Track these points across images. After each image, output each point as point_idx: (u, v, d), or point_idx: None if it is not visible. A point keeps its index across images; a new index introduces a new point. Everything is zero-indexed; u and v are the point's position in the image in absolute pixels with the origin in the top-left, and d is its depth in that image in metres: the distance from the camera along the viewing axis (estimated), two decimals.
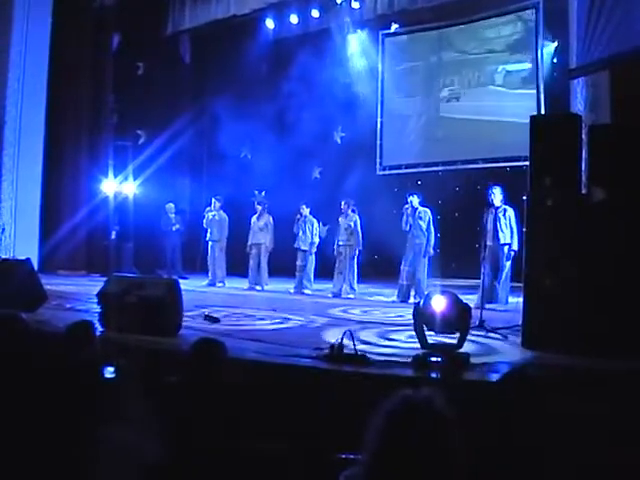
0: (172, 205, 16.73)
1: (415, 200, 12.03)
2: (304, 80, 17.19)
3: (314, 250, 13.89)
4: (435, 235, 12.16)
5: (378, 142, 18.13)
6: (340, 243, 13.21)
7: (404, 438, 2.11)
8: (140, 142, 18.35)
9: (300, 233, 13.86)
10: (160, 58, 18.32)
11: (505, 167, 15.27)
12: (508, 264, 10.92)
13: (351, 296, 12.84)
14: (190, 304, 8.93)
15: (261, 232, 14.54)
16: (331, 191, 16.11)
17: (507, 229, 10.91)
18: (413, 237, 11.97)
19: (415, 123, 17.69)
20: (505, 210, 11.00)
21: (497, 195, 11.07)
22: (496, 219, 10.94)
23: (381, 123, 18.16)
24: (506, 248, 10.89)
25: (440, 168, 16.80)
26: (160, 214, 16.62)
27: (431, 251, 11.94)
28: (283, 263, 14.63)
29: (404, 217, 12.03)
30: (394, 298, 12.22)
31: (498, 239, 10.88)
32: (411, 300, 11.44)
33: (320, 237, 14.32)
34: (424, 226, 11.91)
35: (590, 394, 4.78)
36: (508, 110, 15.73)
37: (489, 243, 10.72)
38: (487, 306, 10.03)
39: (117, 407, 3.29)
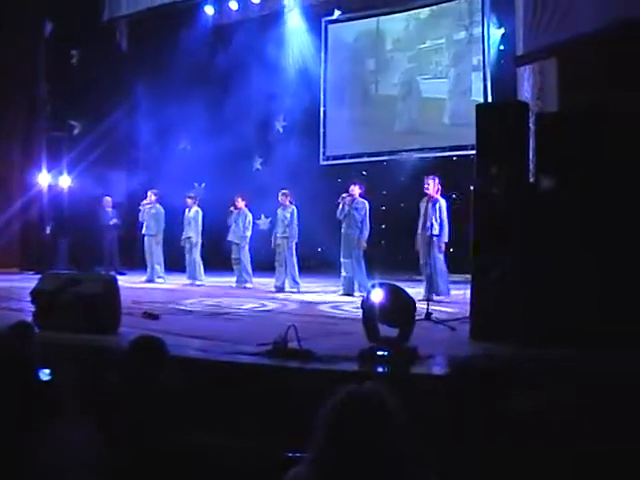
0: (109, 199, 16.38)
1: (356, 190, 11.91)
2: (244, 68, 17.00)
3: (246, 243, 13.65)
4: (372, 227, 12.03)
5: (321, 131, 17.95)
6: (278, 235, 12.96)
7: (349, 433, 2.14)
8: (75, 133, 17.88)
9: (233, 226, 13.66)
10: (95, 46, 17.77)
11: (452, 156, 15.26)
12: (441, 256, 10.94)
13: (294, 290, 12.60)
14: (128, 301, 8.73)
15: (189, 226, 14.38)
16: (273, 182, 15.86)
17: (437, 221, 10.85)
18: (346, 227, 11.87)
19: (360, 112, 17.58)
20: (436, 201, 10.93)
21: (431, 186, 11.00)
22: (428, 210, 10.87)
23: (324, 112, 17.98)
24: (435, 239, 10.83)
25: (385, 158, 16.69)
26: (96, 208, 16.25)
27: (364, 244, 11.81)
28: (225, 257, 14.37)
29: (340, 206, 11.88)
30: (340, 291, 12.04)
31: (427, 229, 10.82)
32: (356, 293, 11.34)
33: (255, 230, 14.21)
34: (359, 218, 11.78)
35: (538, 385, 4.79)
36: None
37: (419, 232, 10.80)
38: (435, 298, 10.06)
39: (56, 408, 3.14)
